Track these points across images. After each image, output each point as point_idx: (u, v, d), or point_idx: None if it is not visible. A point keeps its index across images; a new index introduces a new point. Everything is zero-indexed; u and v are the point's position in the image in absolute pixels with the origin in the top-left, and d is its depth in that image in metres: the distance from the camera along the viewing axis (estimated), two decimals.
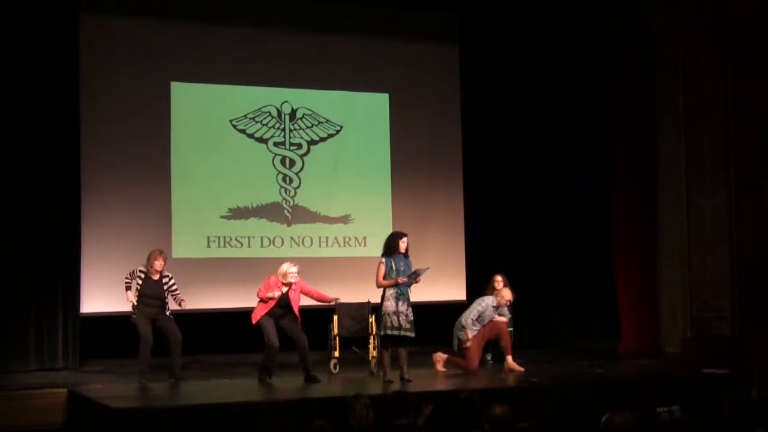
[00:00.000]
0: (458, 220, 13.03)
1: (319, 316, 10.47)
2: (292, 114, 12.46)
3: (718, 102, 11.48)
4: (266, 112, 12.33)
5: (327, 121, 12.61)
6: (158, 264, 9.57)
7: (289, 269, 9.35)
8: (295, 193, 12.38)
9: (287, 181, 12.37)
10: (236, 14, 12.14)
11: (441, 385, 9.50)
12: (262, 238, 12.18)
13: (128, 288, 9.55)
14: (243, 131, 12.20)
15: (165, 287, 9.63)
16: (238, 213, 12.07)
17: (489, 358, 10.94)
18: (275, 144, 12.35)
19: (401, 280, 9.21)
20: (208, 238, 11.93)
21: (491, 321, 10.32)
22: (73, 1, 11.24)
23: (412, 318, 9.29)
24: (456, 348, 10.28)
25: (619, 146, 12.54)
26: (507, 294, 10.43)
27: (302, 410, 7.67)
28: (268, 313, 9.31)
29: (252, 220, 12.14)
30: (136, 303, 9.49)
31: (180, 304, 9.63)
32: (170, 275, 9.71)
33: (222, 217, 11.99)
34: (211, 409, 7.88)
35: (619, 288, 12.44)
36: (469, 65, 13.07)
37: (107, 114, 11.42)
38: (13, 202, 10.72)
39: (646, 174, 12.40)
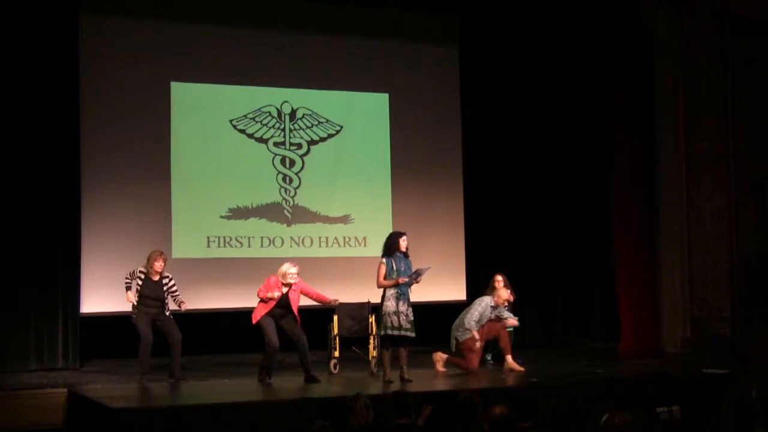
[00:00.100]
0: (458, 220, 13.02)
1: (319, 316, 10.47)
2: (292, 114, 12.46)
3: (718, 102, 11.47)
4: (266, 112, 12.32)
5: (327, 121, 12.60)
6: (158, 265, 9.57)
7: (289, 270, 9.36)
8: (295, 193, 12.38)
9: (287, 181, 12.37)
10: (236, 14, 12.13)
11: (441, 385, 9.51)
12: (262, 238, 12.17)
13: (128, 288, 9.56)
14: (243, 131, 12.19)
15: (165, 288, 9.63)
16: (238, 213, 12.07)
17: (489, 358, 10.95)
18: (275, 144, 12.35)
19: (402, 280, 9.22)
20: (208, 238, 11.93)
21: (490, 321, 10.33)
22: (73, 1, 11.24)
23: (412, 318, 9.29)
24: (453, 349, 10.28)
25: (619, 146, 12.52)
26: (504, 294, 10.44)
27: (302, 410, 7.69)
28: (269, 314, 9.32)
29: (252, 220, 12.14)
30: (136, 303, 9.50)
31: (179, 306, 9.63)
32: (170, 276, 9.71)
33: (222, 217, 11.98)
34: (211, 409, 7.88)
35: (619, 288, 12.42)
36: (469, 65, 13.07)
37: (107, 114, 11.41)
38: (13, 202, 10.70)
39: (646, 174, 12.38)
